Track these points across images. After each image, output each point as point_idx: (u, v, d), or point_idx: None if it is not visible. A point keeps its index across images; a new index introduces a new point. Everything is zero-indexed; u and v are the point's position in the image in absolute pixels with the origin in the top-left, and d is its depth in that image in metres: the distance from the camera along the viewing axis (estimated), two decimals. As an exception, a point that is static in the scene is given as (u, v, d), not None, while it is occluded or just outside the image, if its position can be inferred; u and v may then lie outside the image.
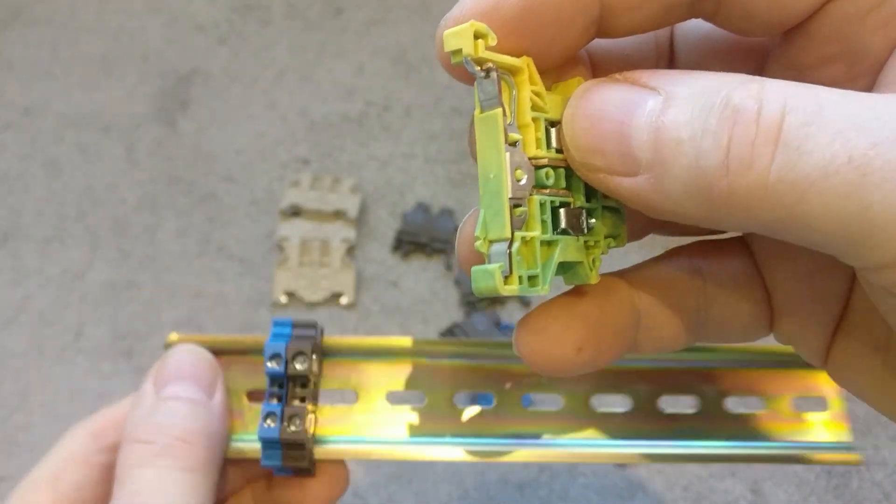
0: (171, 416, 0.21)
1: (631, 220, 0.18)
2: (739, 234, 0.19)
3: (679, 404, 0.26)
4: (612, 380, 0.25)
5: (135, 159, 0.55)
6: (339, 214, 0.52)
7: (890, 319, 0.14)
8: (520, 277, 0.15)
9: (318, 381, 0.25)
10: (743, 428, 0.25)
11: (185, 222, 0.53)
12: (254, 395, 0.25)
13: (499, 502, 0.44)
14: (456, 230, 0.52)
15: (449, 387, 0.25)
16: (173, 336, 0.25)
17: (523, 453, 0.24)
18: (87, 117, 0.57)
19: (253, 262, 0.52)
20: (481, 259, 0.15)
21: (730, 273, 0.18)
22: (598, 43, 0.16)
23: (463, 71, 0.15)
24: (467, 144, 0.17)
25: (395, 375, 0.26)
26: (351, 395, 0.26)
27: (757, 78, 0.13)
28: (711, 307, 0.18)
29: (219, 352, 0.25)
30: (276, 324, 0.25)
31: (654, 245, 0.22)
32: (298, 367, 0.24)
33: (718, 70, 0.14)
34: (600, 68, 0.17)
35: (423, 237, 0.52)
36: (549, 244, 0.16)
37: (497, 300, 0.50)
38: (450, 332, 0.48)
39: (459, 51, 0.14)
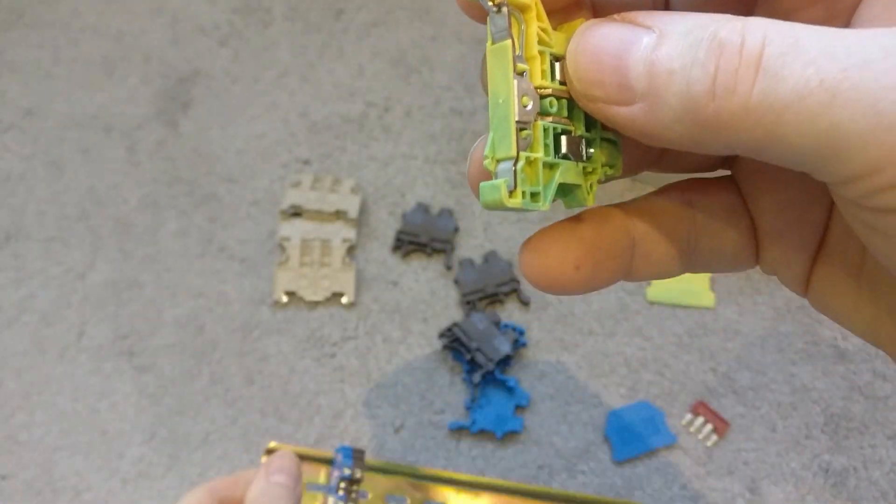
0: (276, 493, 0.33)
1: (627, 155, 0.19)
2: (728, 172, 0.21)
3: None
4: None
5: (136, 160, 0.56)
6: (339, 214, 0.53)
7: (860, 235, 0.16)
8: (523, 193, 0.16)
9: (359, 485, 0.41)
10: None
11: (187, 222, 0.54)
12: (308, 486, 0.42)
13: (498, 501, 0.44)
14: (456, 230, 0.52)
15: (420, 495, 0.43)
16: (272, 444, 0.44)
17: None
18: (88, 118, 0.57)
19: (254, 261, 0.52)
20: (489, 177, 0.17)
21: (718, 205, 0.20)
22: None
23: (476, 8, 0.17)
24: (479, 79, 0.19)
25: (393, 484, 0.43)
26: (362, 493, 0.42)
27: (741, 17, 0.14)
28: (701, 236, 0.20)
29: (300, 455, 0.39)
30: (342, 449, 0.41)
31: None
32: (357, 475, 0.41)
33: (710, 10, 0.16)
34: (602, 12, 0.18)
35: (423, 237, 0.52)
36: (550, 166, 0.17)
37: (496, 300, 0.51)
38: (449, 331, 0.48)
39: None
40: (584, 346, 0.50)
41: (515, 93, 0.16)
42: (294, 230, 0.52)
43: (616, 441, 0.46)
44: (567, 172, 0.17)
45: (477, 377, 0.47)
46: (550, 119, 0.17)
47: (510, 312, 0.51)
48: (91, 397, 0.47)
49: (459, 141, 0.57)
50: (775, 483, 0.46)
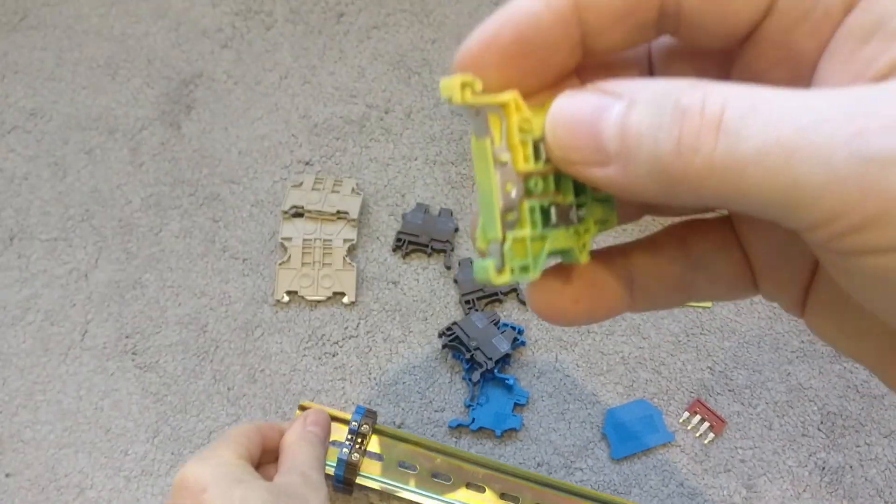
0: (311, 438, 0.40)
1: (628, 204, 0.21)
2: (726, 211, 0.22)
3: None
4: None
5: (139, 161, 0.56)
6: (340, 215, 0.53)
7: (832, 274, 0.17)
8: (511, 269, 0.18)
9: (367, 442, 0.45)
10: None
11: (190, 223, 0.54)
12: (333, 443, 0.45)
13: (497, 497, 0.44)
14: (455, 230, 0.53)
15: (428, 464, 0.45)
16: (305, 402, 0.47)
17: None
18: (92, 120, 0.58)
19: (256, 261, 0.53)
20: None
21: (712, 243, 0.21)
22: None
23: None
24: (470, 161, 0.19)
25: (405, 451, 0.45)
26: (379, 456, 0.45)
27: (703, 82, 0.16)
28: (697, 272, 0.21)
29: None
30: (358, 409, 0.45)
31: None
32: (362, 429, 0.45)
33: (690, 75, 0.17)
34: (588, 79, 0.20)
35: (423, 237, 0.53)
36: (541, 238, 0.18)
37: (496, 299, 0.51)
38: (449, 330, 0.49)
39: (451, 98, 0.17)
40: (582, 344, 0.50)
41: (497, 184, 0.17)
42: (295, 230, 0.53)
43: (614, 439, 0.47)
44: (557, 240, 0.19)
45: (476, 376, 0.47)
46: (536, 197, 0.18)
47: (509, 312, 0.51)
48: (95, 396, 0.48)
49: (459, 142, 0.57)
50: (772, 480, 0.46)
